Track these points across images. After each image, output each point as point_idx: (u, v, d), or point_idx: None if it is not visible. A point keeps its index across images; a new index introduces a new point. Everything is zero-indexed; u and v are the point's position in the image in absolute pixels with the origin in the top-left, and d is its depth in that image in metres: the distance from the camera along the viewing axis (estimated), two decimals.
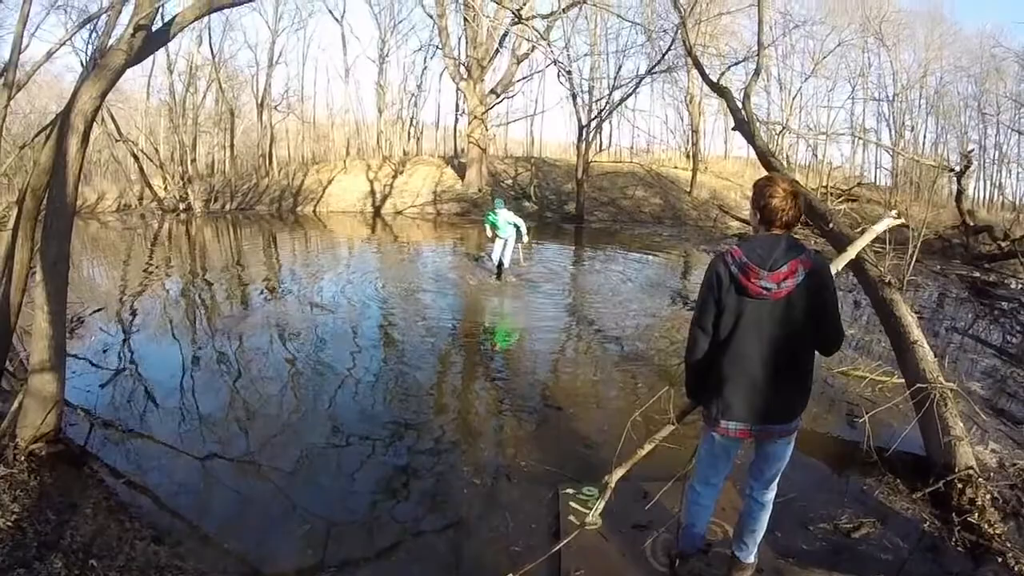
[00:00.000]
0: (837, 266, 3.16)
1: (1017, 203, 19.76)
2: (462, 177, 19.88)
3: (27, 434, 3.74)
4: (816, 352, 2.41)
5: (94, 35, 7.17)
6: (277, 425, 4.64)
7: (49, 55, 5.59)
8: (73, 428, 4.29)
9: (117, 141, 17.47)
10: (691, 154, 20.05)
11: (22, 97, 13.67)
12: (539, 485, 3.80)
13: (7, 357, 4.32)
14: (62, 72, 19.30)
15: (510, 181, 20.24)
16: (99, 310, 7.51)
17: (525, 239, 9.60)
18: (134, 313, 7.61)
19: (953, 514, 3.44)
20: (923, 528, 3.43)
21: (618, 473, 2.86)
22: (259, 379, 5.59)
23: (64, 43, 5.65)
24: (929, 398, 3.83)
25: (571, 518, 3.35)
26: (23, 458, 3.64)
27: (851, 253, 3.47)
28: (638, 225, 17.25)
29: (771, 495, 2.66)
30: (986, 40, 19.97)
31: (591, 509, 3.36)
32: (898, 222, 3.64)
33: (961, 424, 3.80)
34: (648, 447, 2.83)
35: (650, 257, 12.71)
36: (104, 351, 6.07)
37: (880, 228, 3.54)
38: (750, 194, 2.44)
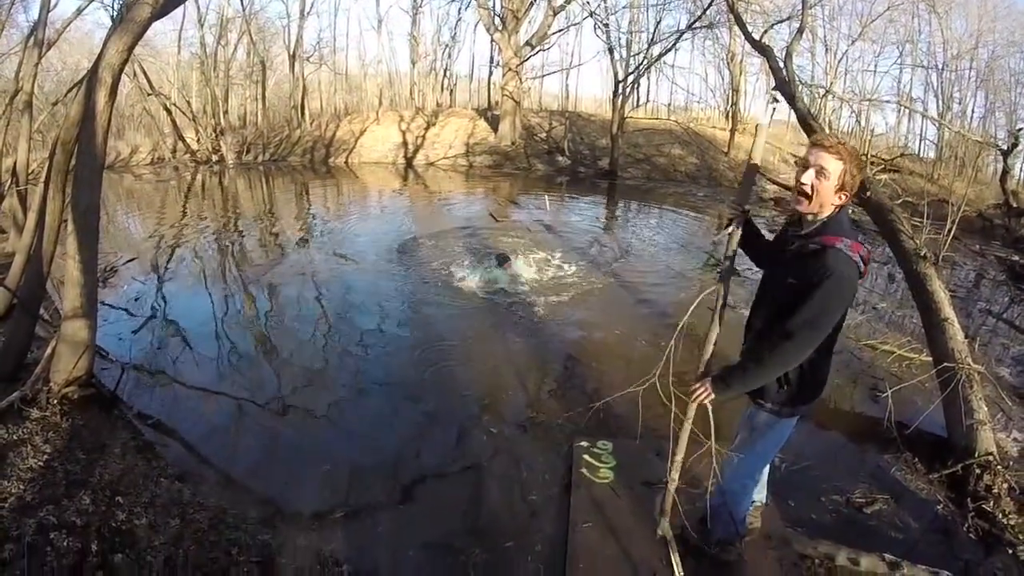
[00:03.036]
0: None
1: None
2: (495, 130, 19.57)
3: (60, 378, 3.92)
4: None
5: None
6: (303, 371, 4.79)
7: (79, 12, 5.62)
8: (105, 372, 4.45)
9: (149, 95, 17.57)
10: (730, 114, 19.31)
11: (53, 55, 13.83)
12: (555, 437, 3.91)
13: (41, 305, 4.49)
14: (93, 29, 19.27)
15: (544, 135, 19.88)
16: (132, 259, 7.71)
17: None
18: (167, 262, 7.79)
19: (968, 499, 3.38)
20: (937, 510, 3.38)
21: (676, 467, 2.53)
22: (288, 327, 5.74)
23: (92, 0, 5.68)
24: (955, 378, 3.72)
25: (583, 471, 3.45)
26: (56, 401, 3.83)
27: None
28: (672, 184, 16.83)
29: None
30: None
31: (604, 463, 3.48)
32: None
33: (985, 408, 3.69)
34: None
35: (684, 216, 12.44)
36: (136, 299, 6.26)
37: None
38: (846, 161, 2.04)
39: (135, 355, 4.92)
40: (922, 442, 3.91)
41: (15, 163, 6.76)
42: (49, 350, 3.99)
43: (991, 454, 3.51)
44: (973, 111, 19.68)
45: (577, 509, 3.12)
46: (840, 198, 2.07)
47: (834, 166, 2.05)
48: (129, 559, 2.67)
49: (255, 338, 5.49)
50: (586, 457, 3.56)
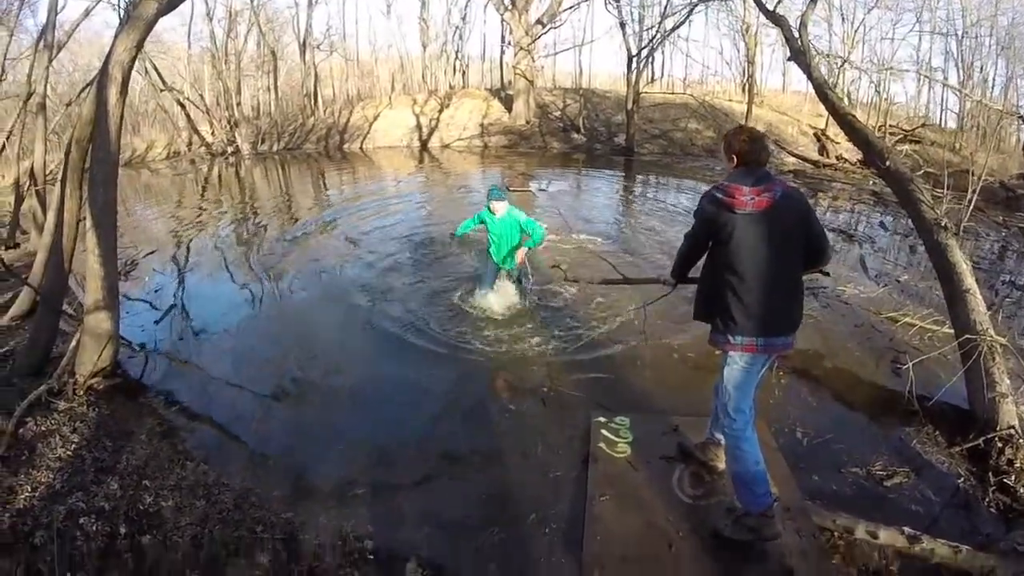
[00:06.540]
0: None
1: None
2: (509, 109, 19.49)
3: (85, 370, 4.03)
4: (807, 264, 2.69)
5: None
6: (322, 355, 4.85)
7: (87, 13, 5.71)
8: (129, 362, 4.58)
9: (162, 91, 17.78)
10: (746, 87, 18.90)
11: (64, 56, 13.99)
12: (572, 412, 3.93)
13: (64, 300, 4.59)
14: (101, 29, 19.57)
15: (558, 113, 19.71)
16: (152, 252, 7.84)
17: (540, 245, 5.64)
18: (187, 254, 7.91)
19: (990, 473, 3.30)
20: (957, 484, 3.32)
21: None
22: (304, 313, 5.82)
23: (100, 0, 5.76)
24: (977, 350, 3.63)
25: (601, 445, 3.47)
26: (82, 392, 3.95)
27: None
28: (690, 159, 16.58)
29: None
30: None
31: (622, 439, 3.52)
32: None
33: (1008, 381, 3.60)
34: None
35: (702, 190, 12.29)
36: (158, 291, 6.39)
37: None
38: (723, 145, 2.71)
39: (158, 345, 5.02)
40: (943, 415, 3.83)
41: (32, 165, 6.89)
42: (74, 343, 4.10)
43: (1013, 427, 3.42)
44: (994, 79, 19.01)
45: (595, 483, 3.15)
46: (732, 159, 2.65)
47: None
48: (156, 540, 2.76)
49: (272, 324, 5.58)
50: (604, 432, 3.59)
